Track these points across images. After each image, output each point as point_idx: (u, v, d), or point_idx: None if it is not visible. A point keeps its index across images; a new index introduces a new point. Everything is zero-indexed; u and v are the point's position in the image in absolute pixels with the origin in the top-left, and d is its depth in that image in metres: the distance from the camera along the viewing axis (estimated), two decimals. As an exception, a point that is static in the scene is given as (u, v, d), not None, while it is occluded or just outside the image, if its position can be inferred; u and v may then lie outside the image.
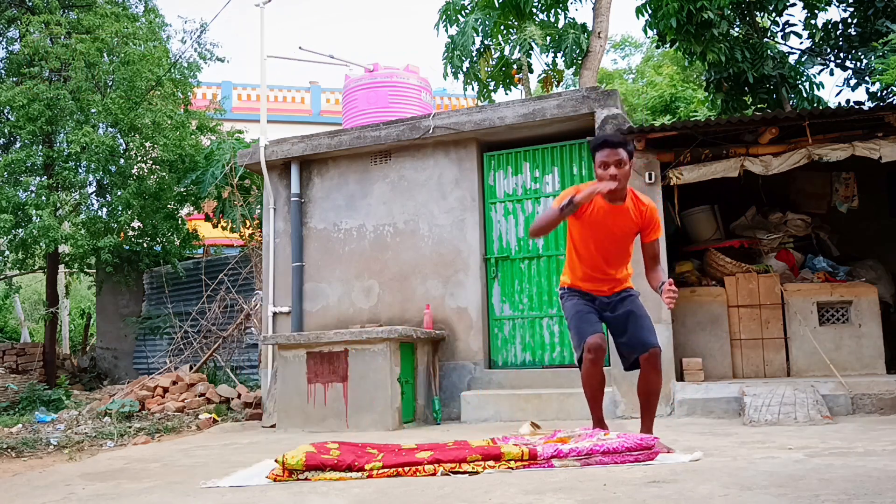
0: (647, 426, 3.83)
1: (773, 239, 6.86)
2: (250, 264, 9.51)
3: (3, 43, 11.81)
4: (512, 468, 3.33)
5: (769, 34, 9.64)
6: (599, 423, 3.92)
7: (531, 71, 10.62)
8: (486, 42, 10.45)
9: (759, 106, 9.10)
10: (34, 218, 9.88)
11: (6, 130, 10.80)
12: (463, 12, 10.33)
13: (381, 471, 3.35)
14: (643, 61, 18.54)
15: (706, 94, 10.20)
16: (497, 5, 9.92)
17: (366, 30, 72.07)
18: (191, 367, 8.89)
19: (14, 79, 10.80)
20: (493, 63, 10.55)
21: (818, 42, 9.27)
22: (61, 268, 12.97)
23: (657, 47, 13.03)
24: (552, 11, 10.30)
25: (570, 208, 3.54)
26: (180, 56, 11.75)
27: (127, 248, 11.32)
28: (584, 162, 6.54)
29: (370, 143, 7.05)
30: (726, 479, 2.81)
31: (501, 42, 10.57)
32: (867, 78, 8.91)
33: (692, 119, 10.56)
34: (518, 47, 9.98)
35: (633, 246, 3.89)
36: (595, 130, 6.20)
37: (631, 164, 3.66)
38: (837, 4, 9.27)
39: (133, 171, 10.85)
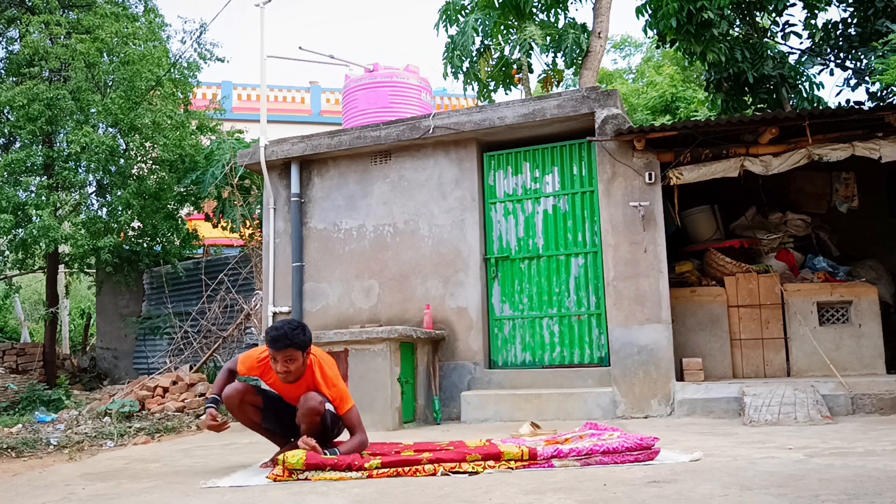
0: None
1: (773, 239, 6.86)
2: (250, 264, 9.51)
3: (3, 43, 11.81)
4: (512, 468, 3.33)
5: (769, 34, 9.63)
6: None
7: (531, 71, 10.62)
8: (486, 42, 10.45)
9: (759, 106, 9.10)
10: (34, 218, 9.87)
11: (6, 130, 10.80)
12: (463, 12, 10.33)
13: (380, 471, 3.35)
14: (643, 61, 18.55)
15: (706, 94, 10.20)
16: (497, 5, 9.92)
17: (366, 30, 72.08)
18: (191, 367, 8.89)
19: (14, 79, 10.80)
20: (493, 63, 10.55)
21: (818, 42, 9.26)
22: (61, 268, 12.97)
23: (657, 47, 13.02)
24: (552, 11, 10.30)
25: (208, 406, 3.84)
26: (180, 56, 11.75)
27: (127, 248, 11.32)
28: (584, 162, 6.54)
29: (370, 143, 7.06)
30: (726, 479, 2.81)
31: (501, 42, 10.57)
32: (867, 78, 8.90)
33: (692, 119, 10.57)
34: (518, 47, 9.98)
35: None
36: (595, 130, 6.20)
37: (306, 355, 3.63)
38: (837, 4, 9.27)
39: (133, 171, 10.85)
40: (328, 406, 3.69)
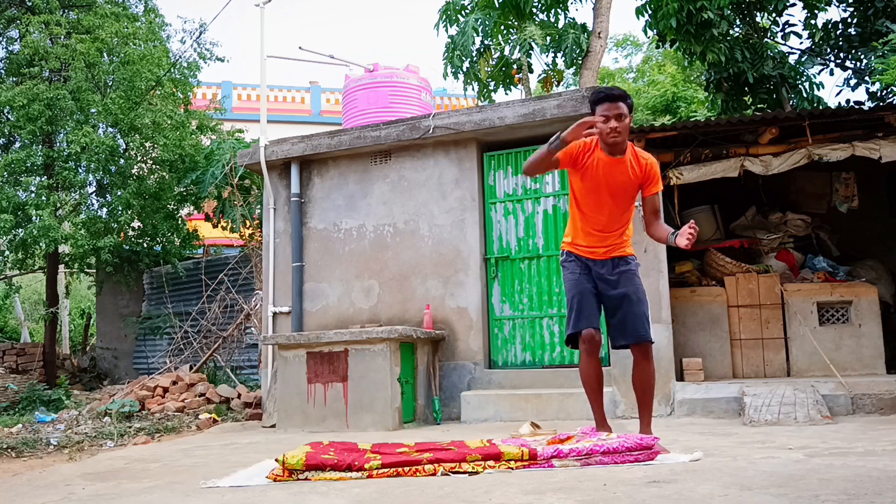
0: (646, 423, 3.84)
1: (773, 239, 6.86)
2: (250, 264, 9.51)
3: (3, 43, 11.82)
4: (512, 468, 3.33)
5: (769, 34, 9.63)
6: (602, 423, 3.92)
7: (531, 71, 10.61)
8: (486, 42, 10.45)
9: (759, 106, 9.09)
10: (34, 218, 9.87)
11: (6, 130, 10.80)
12: (463, 12, 10.33)
13: (380, 471, 3.35)
14: (643, 61, 18.54)
15: (706, 94, 10.20)
16: (497, 5, 9.91)
17: (366, 30, 72.08)
18: (191, 367, 8.89)
19: (14, 79, 10.80)
20: (493, 63, 10.55)
21: (818, 42, 9.26)
22: (61, 268, 12.98)
23: (657, 47, 13.02)
24: (552, 11, 10.29)
25: (558, 143, 3.63)
26: (180, 56, 11.75)
27: (127, 248, 11.32)
28: (584, 162, 6.52)
29: (370, 143, 7.06)
30: (726, 479, 2.81)
31: (501, 42, 10.57)
32: (867, 78, 8.90)
33: (692, 119, 10.56)
34: (518, 47, 9.98)
35: (633, 206, 3.91)
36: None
37: (630, 118, 3.70)
38: (837, 4, 9.26)
39: (133, 171, 10.86)
40: (651, 332, 3.83)
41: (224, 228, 11.15)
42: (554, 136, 3.63)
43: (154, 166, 11.17)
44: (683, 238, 3.53)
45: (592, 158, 3.72)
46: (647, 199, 3.85)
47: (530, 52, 10.10)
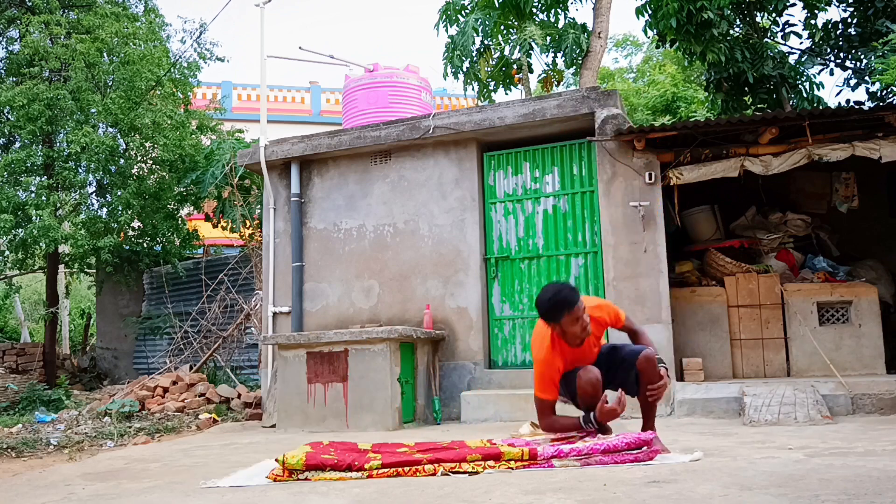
0: (646, 428, 3.84)
1: (773, 239, 6.86)
2: (250, 264, 9.51)
3: (3, 43, 11.82)
4: (512, 468, 3.33)
5: (769, 34, 9.63)
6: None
7: (531, 71, 10.61)
8: (486, 42, 10.45)
9: (759, 106, 9.09)
10: (34, 218, 9.87)
11: (6, 130, 10.80)
12: (463, 12, 10.33)
13: (380, 471, 3.35)
14: (643, 61, 18.54)
15: (706, 94, 10.20)
16: (497, 5, 9.91)
17: (366, 30, 72.10)
18: (191, 367, 8.89)
19: (14, 79, 10.80)
20: (493, 63, 10.55)
21: (818, 42, 9.26)
22: (61, 268, 12.98)
23: (657, 47, 13.02)
24: (552, 11, 10.30)
25: (595, 424, 3.66)
26: (180, 56, 11.75)
27: (127, 248, 11.32)
28: (584, 162, 6.53)
29: (370, 143, 7.05)
30: (726, 479, 2.81)
31: (501, 42, 10.57)
32: (867, 78, 8.90)
33: (692, 119, 10.56)
34: (518, 47, 9.98)
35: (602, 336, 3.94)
36: (595, 130, 6.20)
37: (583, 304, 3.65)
38: (837, 4, 9.27)
39: (133, 171, 10.86)
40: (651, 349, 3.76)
41: (224, 228, 11.15)
42: (587, 416, 3.68)
43: (154, 166, 11.16)
44: (609, 407, 3.58)
45: (563, 354, 3.73)
46: (622, 330, 3.94)
47: (530, 52, 10.10)
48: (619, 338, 4.26)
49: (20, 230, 10.04)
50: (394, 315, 6.87)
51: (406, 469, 3.35)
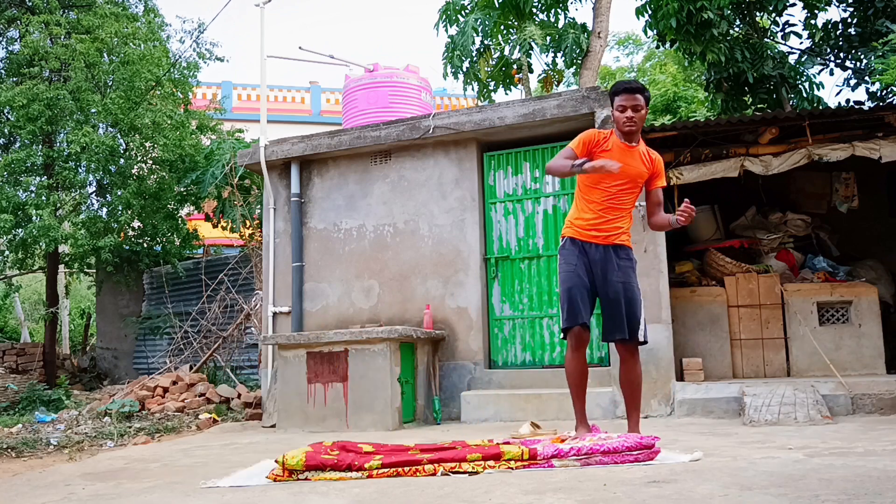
0: (634, 421, 3.93)
1: (773, 239, 6.86)
2: (250, 264, 9.51)
3: (3, 43, 11.82)
4: (512, 468, 3.33)
5: (769, 34, 9.63)
6: (581, 418, 4.00)
7: (531, 71, 10.61)
8: (486, 42, 10.44)
9: (759, 106, 9.09)
10: (34, 218, 9.87)
11: (6, 130, 10.80)
12: (463, 12, 10.33)
13: (380, 471, 3.35)
14: (644, 60, 18.54)
15: (706, 94, 10.20)
16: (497, 5, 9.91)
17: (366, 30, 72.12)
18: (191, 367, 8.89)
19: (14, 79, 10.80)
20: (493, 63, 10.55)
21: (818, 42, 9.26)
22: (61, 268, 12.97)
23: (657, 47, 13.02)
24: (552, 11, 10.30)
25: (579, 171, 3.81)
26: (180, 56, 11.75)
27: (127, 248, 11.32)
28: (584, 162, 6.52)
29: (370, 143, 7.05)
30: (726, 479, 2.81)
31: (501, 42, 10.57)
32: (867, 78, 8.90)
33: (692, 119, 10.56)
34: (518, 47, 9.97)
35: (636, 202, 4.08)
36: (595, 130, 6.19)
37: (646, 110, 3.93)
38: (837, 4, 9.27)
39: (133, 171, 10.85)
40: (641, 332, 3.94)
41: (224, 228, 11.15)
42: (581, 161, 3.80)
43: (154, 166, 11.16)
44: (680, 216, 3.77)
45: (609, 144, 3.94)
46: (653, 192, 4.07)
47: (530, 52, 10.09)
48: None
49: (20, 230, 10.04)
50: (394, 315, 6.87)
51: (406, 469, 3.35)
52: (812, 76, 9.24)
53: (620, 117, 3.89)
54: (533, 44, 9.64)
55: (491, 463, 3.36)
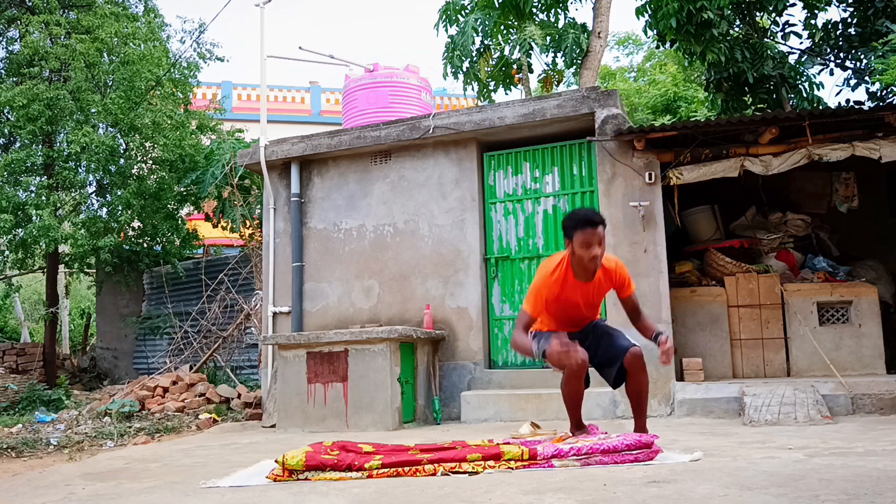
0: (640, 425, 3.85)
1: (773, 239, 6.86)
2: (250, 264, 9.51)
3: (3, 43, 11.82)
4: (512, 468, 3.33)
5: (769, 34, 9.63)
6: (578, 425, 3.96)
7: (531, 71, 10.61)
8: (486, 42, 10.44)
9: (759, 106, 9.09)
10: (34, 218, 9.87)
11: (6, 130, 10.80)
12: (463, 12, 10.33)
13: (380, 471, 3.35)
14: (644, 60, 18.54)
15: (706, 94, 10.20)
16: (497, 5, 9.91)
17: (366, 30, 72.12)
18: (191, 367, 8.88)
19: (14, 79, 10.80)
20: (493, 63, 10.55)
21: (818, 42, 9.26)
22: (61, 268, 12.97)
23: (657, 47, 13.02)
24: (552, 11, 10.29)
25: (541, 356, 3.66)
26: (180, 56, 11.75)
27: (127, 248, 11.32)
28: (584, 162, 6.54)
29: (370, 143, 7.05)
30: (726, 479, 2.81)
31: (501, 42, 10.56)
32: (867, 78, 8.90)
33: (692, 119, 10.56)
34: (518, 47, 9.97)
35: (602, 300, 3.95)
36: (595, 130, 6.20)
37: (604, 236, 3.63)
38: (837, 4, 9.27)
39: (133, 171, 10.85)
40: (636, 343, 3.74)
41: (224, 228, 11.14)
42: (540, 351, 3.63)
43: (154, 166, 11.16)
44: (662, 355, 3.58)
45: (565, 285, 3.70)
46: (626, 300, 3.86)
47: (530, 52, 10.09)
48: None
49: (20, 230, 10.04)
50: (394, 315, 6.87)
51: (406, 469, 3.35)
52: (812, 76, 9.24)
53: (585, 255, 3.56)
54: (533, 44, 9.64)
55: (491, 463, 3.36)
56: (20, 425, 7.10)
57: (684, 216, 6.83)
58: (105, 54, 10.65)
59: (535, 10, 10.10)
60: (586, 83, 9.40)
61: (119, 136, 10.80)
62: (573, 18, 10.43)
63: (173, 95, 11.34)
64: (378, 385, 5.86)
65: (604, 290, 3.83)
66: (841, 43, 9.22)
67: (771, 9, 8.91)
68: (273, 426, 6.43)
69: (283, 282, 7.39)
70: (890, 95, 8.49)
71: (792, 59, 9.44)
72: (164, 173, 10.98)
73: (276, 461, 3.53)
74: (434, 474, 3.30)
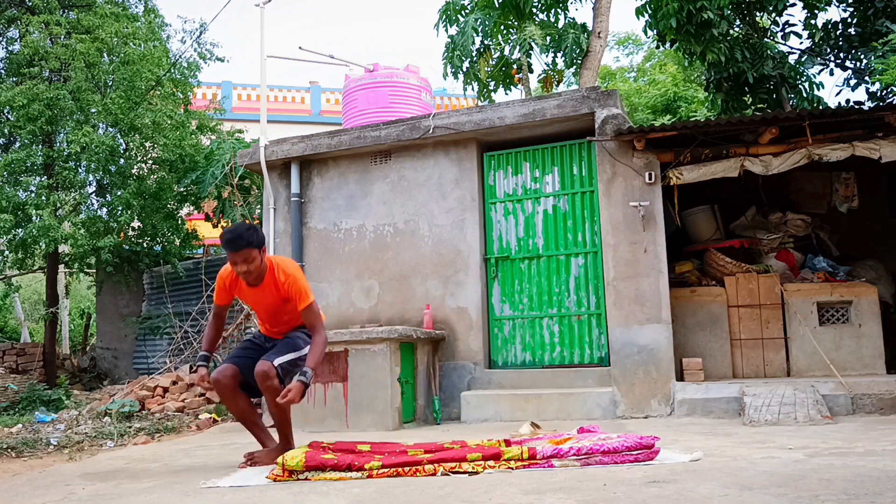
0: (283, 446, 4.05)
1: (773, 239, 6.86)
2: (250, 264, 9.48)
3: (3, 43, 11.81)
4: (512, 468, 3.33)
5: (769, 34, 9.63)
6: (261, 443, 4.18)
7: (531, 71, 10.62)
8: (486, 42, 10.45)
9: (759, 106, 9.10)
10: (34, 218, 9.87)
11: (6, 130, 10.79)
12: (463, 12, 10.33)
13: (380, 471, 3.35)
14: (644, 60, 18.55)
15: (706, 94, 10.20)
16: (497, 5, 9.91)
17: (366, 30, 72.13)
18: (191, 368, 8.88)
19: (14, 79, 10.80)
20: (493, 63, 10.55)
21: (818, 42, 9.26)
22: (61, 268, 12.97)
23: (657, 47, 13.03)
24: (552, 11, 10.30)
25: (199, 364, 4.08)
26: (180, 56, 11.75)
27: (127, 248, 11.31)
28: (584, 162, 6.54)
29: (370, 143, 7.05)
30: (726, 479, 2.81)
31: (501, 42, 10.57)
32: (867, 78, 8.91)
33: (692, 119, 10.56)
34: (518, 47, 9.97)
35: (297, 307, 3.99)
36: (595, 130, 6.20)
37: (262, 252, 3.83)
38: (837, 4, 9.27)
39: (133, 171, 10.85)
40: (277, 360, 3.84)
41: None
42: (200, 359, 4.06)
43: (154, 166, 11.16)
44: (290, 392, 3.63)
45: (239, 286, 4.00)
46: (301, 314, 3.97)
47: (530, 52, 10.10)
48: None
49: (20, 230, 10.03)
50: (394, 315, 6.87)
51: (406, 469, 3.35)
52: (812, 76, 9.25)
53: (236, 270, 3.85)
54: (533, 44, 9.64)
55: (491, 463, 3.36)
56: (20, 425, 7.10)
57: (684, 216, 6.83)
58: (105, 54, 10.64)
59: (535, 10, 10.11)
60: (586, 83, 9.41)
61: (119, 136, 10.79)
62: (573, 18, 10.44)
63: (173, 95, 11.34)
64: (378, 385, 5.86)
65: (280, 298, 3.95)
66: (841, 43, 9.23)
67: (771, 9, 8.91)
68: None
69: (283, 282, 7.37)
70: (890, 95, 8.49)
71: (792, 59, 9.45)
72: (164, 173, 10.97)
73: (275, 461, 3.53)
74: (434, 474, 3.30)
